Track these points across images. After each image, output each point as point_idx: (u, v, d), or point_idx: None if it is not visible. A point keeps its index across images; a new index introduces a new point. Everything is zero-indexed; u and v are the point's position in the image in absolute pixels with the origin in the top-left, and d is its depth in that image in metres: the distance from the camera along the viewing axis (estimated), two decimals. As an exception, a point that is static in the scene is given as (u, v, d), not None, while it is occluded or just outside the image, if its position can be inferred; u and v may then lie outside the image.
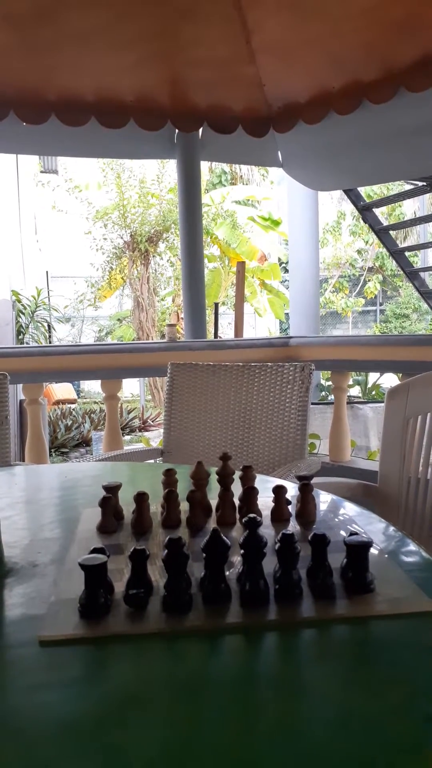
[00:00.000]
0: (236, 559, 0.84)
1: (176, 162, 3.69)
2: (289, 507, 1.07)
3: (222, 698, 0.61)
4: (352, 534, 0.83)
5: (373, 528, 1.05)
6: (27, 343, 9.71)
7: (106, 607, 0.75)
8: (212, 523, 1.06)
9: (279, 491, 1.07)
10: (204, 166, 11.20)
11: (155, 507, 1.08)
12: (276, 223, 11.57)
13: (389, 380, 7.26)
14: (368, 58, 3.14)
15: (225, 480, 1.08)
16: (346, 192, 4.70)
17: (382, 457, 1.68)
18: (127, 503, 1.07)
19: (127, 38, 3.02)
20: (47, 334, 10.61)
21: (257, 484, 1.11)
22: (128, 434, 8.51)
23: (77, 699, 0.62)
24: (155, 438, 7.38)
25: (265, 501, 1.08)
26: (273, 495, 1.07)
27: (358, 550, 0.79)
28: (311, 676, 0.65)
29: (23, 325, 9.82)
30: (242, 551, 0.78)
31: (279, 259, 12.39)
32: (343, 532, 0.98)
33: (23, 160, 11.68)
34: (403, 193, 4.94)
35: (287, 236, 5.74)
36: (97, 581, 0.75)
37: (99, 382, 3.26)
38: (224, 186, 12.94)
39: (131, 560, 0.77)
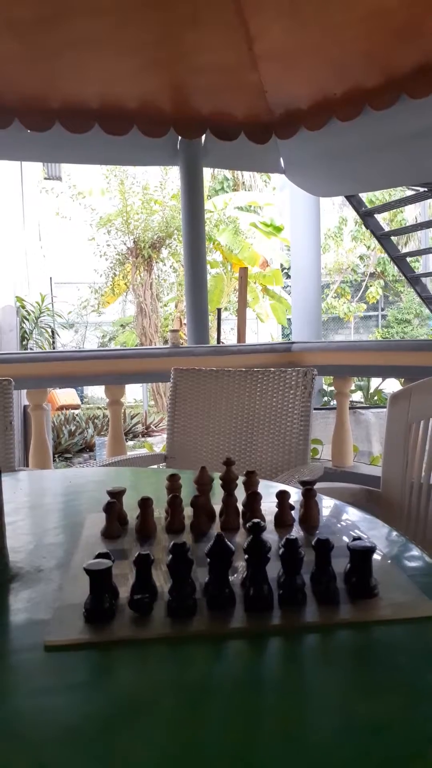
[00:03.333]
0: (240, 564, 0.84)
1: (179, 168, 3.71)
2: (293, 512, 1.08)
3: (226, 703, 0.61)
4: (355, 539, 0.83)
5: (376, 533, 1.05)
6: (31, 349, 9.73)
7: (110, 612, 0.76)
8: (216, 528, 1.06)
9: (282, 496, 1.07)
10: (206, 172, 11.23)
11: (159, 512, 1.08)
12: (278, 229, 11.59)
13: (391, 385, 7.25)
14: (370, 64, 3.16)
15: (228, 485, 1.09)
16: (347, 198, 4.71)
17: (385, 462, 1.68)
18: (131, 508, 1.08)
19: (130, 45, 3.04)
20: (51, 340, 10.63)
21: (260, 489, 1.11)
22: (131, 440, 8.51)
23: (82, 703, 0.62)
24: (158, 443, 7.38)
25: (268, 506, 1.08)
26: (276, 500, 1.07)
27: (361, 554, 0.80)
28: (315, 681, 0.66)
29: (27, 331, 9.84)
30: (246, 556, 0.78)
31: (281, 265, 12.41)
32: (346, 537, 0.99)
33: (27, 167, 11.74)
34: (405, 198, 4.96)
35: (289, 242, 5.75)
36: (102, 586, 0.76)
37: (102, 387, 3.27)
38: (226, 192, 12.99)
39: (136, 565, 0.78)
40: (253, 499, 1.07)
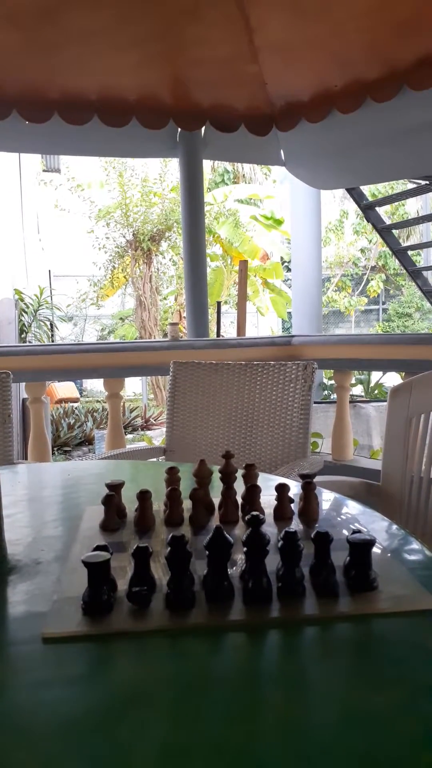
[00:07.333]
0: (239, 556, 0.84)
1: (179, 161, 3.69)
2: (292, 505, 1.07)
3: (225, 695, 0.61)
4: (355, 532, 0.83)
5: (375, 526, 1.05)
6: (29, 342, 9.72)
7: (109, 604, 0.76)
8: (215, 521, 1.06)
9: (282, 489, 1.07)
10: (206, 164, 11.18)
11: (158, 505, 1.08)
12: (278, 222, 11.56)
13: (392, 379, 7.25)
14: (371, 56, 3.13)
15: (228, 478, 1.08)
16: (348, 191, 4.69)
17: (385, 456, 1.68)
18: (130, 501, 1.07)
19: (130, 37, 3.01)
20: (50, 333, 10.63)
21: (260, 482, 1.11)
22: (130, 433, 8.51)
23: (80, 696, 0.62)
24: (158, 437, 7.38)
25: (267, 499, 1.08)
26: (276, 493, 1.07)
27: (361, 547, 0.79)
28: (314, 674, 0.65)
29: (26, 323, 9.83)
30: (245, 549, 0.78)
31: (281, 258, 12.38)
32: (345, 531, 0.98)
33: (26, 159, 11.70)
34: (406, 191, 4.93)
35: (289, 235, 5.74)
36: (101, 578, 0.75)
37: (101, 380, 3.26)
38: (227, 185, 12.94)
39: (134, 558, 0.77)
40: (253, 492, 1.07)
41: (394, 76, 3.05)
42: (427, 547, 0.94)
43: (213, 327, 6.09)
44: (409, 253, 5.20)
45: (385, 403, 1.77)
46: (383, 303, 17.13)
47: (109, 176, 10.27)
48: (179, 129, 3.55)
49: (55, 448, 7.48)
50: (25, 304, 9.95)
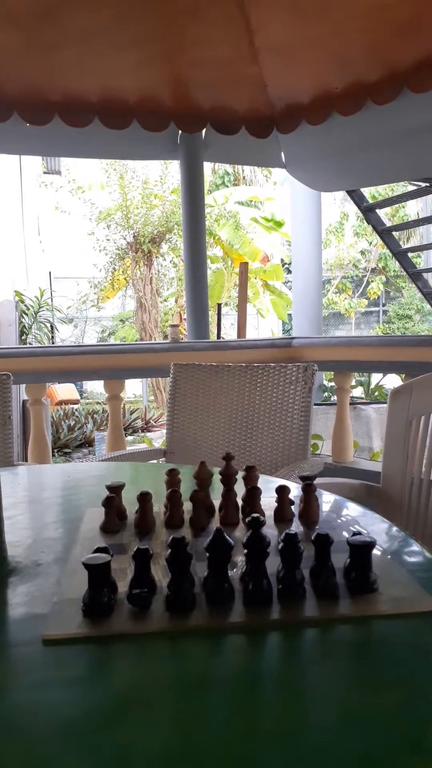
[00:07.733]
0: (239, 558, 0.84)
1: (179, 163, 3.70)
2: (292, 507, 1.07)
3: (225, 697, 0.61)
4: (355, 534, 0.83)
5: (376, 528, 1.05)
6: (30, 344, 9.73)
7: (109, 606, 0.75)
8: (215, 523, 1.06)
9: (282, 491, 1.07)
10: (207, 167, 11.20)
11: (158, 507, 1.08)
12: (279, 224, 11.58)
13: (392, 381, 7.24)
14: (371, 58, 3.14)
15: (228, 480, 1.08)
16: (349, 193, 4.69)
17: (385, 458, 1.68)
18: (130, 503, 1.07)
19: (131, 39, 3.02)
20: (50, 335, 10.64)
21: (260, 484, 1.11)
22: (131, 435, 8.51)
23: (80, 698, 0.62)
24: (158, 439, 7.38)
25: (268, 501, 1.08)
26: (276, 495, 1.07)
27: (361, 549, 0.79)
28: (314, 676, 0.65)
29: (26, 325, 9.84)
30: (245, 551, 0.78)
31: (282, 260, 12.40)
32: (346, 532, 0.98)
33: (26, 161, 11.72)
34: (407, 194, 4.94)
35: (290, 237, 5.74)
36: (101, 580, 0.75)
37: (102, 382, 3.26)
38: (227, 187, 12.96)
39: (134, 560, 0.77)
40: (253, 494, 1.07)
41: (395, 78, 3.06)
42: (428, 549, 0.94)
43: (213, 329, 6.09)
44: (410, 255, 5.21)
45: (385, 405, 1.78)
46: (383, 305, 17.14)
47: (110, 178, 10.29)
48: (180, 131, 3.56)
49: (56, 450, 7.48)
50: (25, 305, 9.96)
